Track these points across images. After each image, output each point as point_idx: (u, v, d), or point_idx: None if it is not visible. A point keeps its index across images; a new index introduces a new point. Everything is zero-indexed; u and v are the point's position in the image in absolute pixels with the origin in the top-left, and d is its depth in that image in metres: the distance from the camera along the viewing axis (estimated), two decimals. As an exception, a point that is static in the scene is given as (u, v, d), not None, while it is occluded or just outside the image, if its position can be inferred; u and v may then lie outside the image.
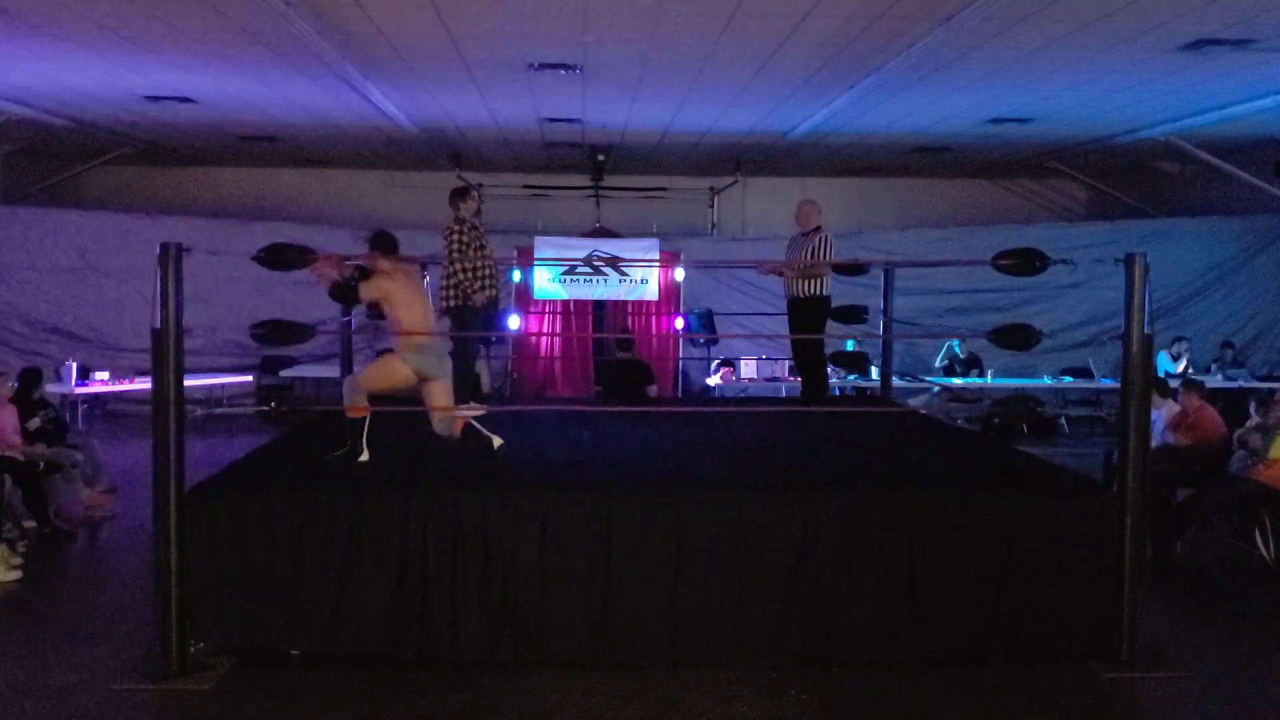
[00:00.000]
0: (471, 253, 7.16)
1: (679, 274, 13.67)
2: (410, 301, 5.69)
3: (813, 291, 7.82)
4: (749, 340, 13.25)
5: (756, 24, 7.39)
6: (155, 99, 10.34)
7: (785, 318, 8.21)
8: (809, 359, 8.13)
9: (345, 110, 10.76)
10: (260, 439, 7.14)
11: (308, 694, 4.58)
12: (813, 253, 7.77)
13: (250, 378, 12.96)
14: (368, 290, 5.66)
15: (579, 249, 13.28)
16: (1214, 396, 8.59)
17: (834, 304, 8.00)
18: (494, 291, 7.33)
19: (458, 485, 5.10)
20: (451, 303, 7.17)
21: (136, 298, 12.52)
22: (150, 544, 4.97)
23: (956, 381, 12.39)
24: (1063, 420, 12.66)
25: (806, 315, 7.88)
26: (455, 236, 7.17)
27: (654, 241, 13.76)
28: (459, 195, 7.44)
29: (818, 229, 7.89)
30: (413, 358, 5.68)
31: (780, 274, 8.21)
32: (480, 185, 14.12)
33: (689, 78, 9.20)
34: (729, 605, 4.83)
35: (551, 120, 11.43)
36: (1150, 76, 8.88)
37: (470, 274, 7.14)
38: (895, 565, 4.89)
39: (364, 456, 5.56)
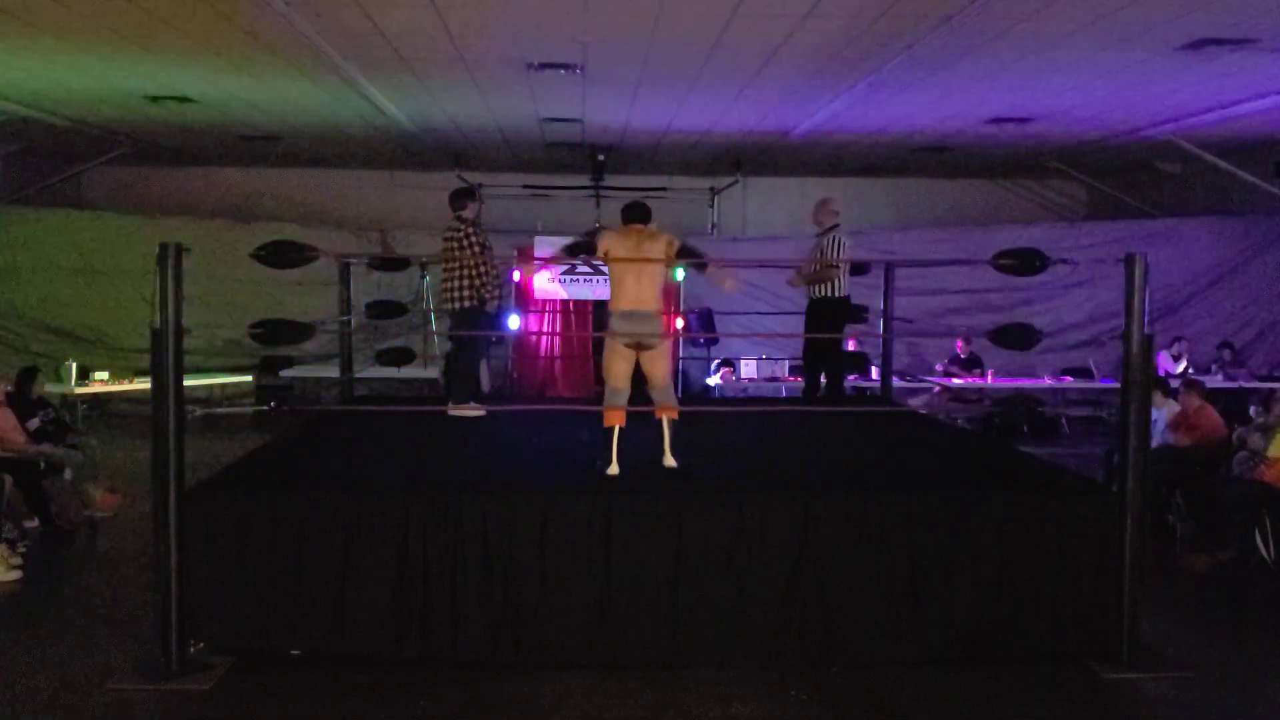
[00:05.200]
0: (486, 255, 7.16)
1: (679, 274, 13.65)
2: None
3: (825, 293, 7.63)
4: (749, 340, 13.24)
5: (757, 24, 7.38)
6: (155, 99, 10.34)
7: (785, 317, 8.17)
8: (828, 360, 7.91)
9: (345, 110, 10.75)
10: (260, 439, 7.14)
11: (308, 694, 4.57)
12: (823, 254, 7.62)
13: (250, 378, 12.96)
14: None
15: None
16: (1214, 396, 8.58)
17: None
18: (502, 300, 7.35)
19: (458, 485, 5.10)
20: (467, 303, 7.10)
21: (136, 298, 12.52)
22: (150, 544, 4.97)
23: (956, 381, 12.38)
24: (1063, 420, 12.65)
25: (823, 317, 7.67)
26: (474, 238, 7.13)
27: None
28: (466, 196, 7.40)
29: (833, 228, 7.67)
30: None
31: (796, 282, 8.03)
32: (480, 185, 14.12)
33: (689, 78, 9.18)
34: (729, 605, 4.83)
35: (551, 120, 11.42)
36: (1150, 76, 8.87)
37: (488, 277, 7.13)
38: (895, 565, 4.89)
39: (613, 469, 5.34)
